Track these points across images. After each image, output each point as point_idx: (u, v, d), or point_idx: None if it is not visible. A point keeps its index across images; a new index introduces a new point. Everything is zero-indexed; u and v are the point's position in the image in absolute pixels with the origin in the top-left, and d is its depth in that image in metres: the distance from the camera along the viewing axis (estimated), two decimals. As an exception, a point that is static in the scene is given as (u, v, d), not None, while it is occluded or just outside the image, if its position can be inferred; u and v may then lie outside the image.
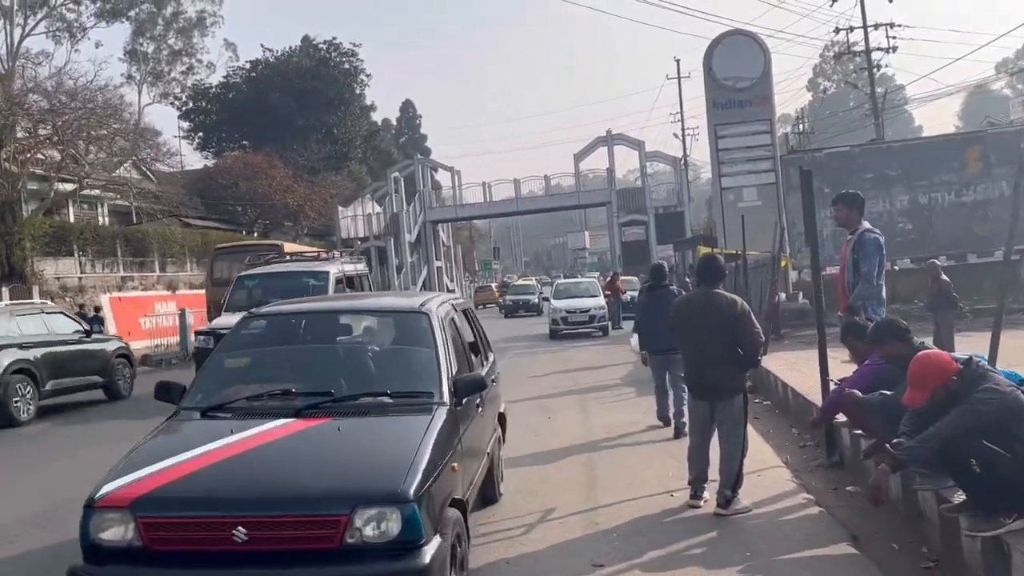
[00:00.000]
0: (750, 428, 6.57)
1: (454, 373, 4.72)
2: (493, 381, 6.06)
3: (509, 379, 10.15)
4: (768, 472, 6.87)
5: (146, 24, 55.98)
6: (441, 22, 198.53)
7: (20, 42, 47.32)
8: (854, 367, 6.34)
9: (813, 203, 7.74)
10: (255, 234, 42.18)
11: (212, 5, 56.22)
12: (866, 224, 7.43)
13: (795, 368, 10.55)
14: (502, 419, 6.62)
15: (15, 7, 46.53)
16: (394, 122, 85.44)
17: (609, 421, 9.60)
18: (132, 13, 53.21)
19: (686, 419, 7.35)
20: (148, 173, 39.90)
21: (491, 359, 6.56)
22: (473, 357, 5.73)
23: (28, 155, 26.51)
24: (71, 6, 50.73)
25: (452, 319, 5.47)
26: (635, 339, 10.23)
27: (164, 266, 31.77)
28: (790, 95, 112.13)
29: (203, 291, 24.79)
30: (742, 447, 6.03)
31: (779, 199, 23.46)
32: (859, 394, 5.64)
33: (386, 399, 4.45)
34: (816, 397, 7.33)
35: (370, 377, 4.86)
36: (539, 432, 9.10)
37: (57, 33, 50.68)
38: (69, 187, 28.13)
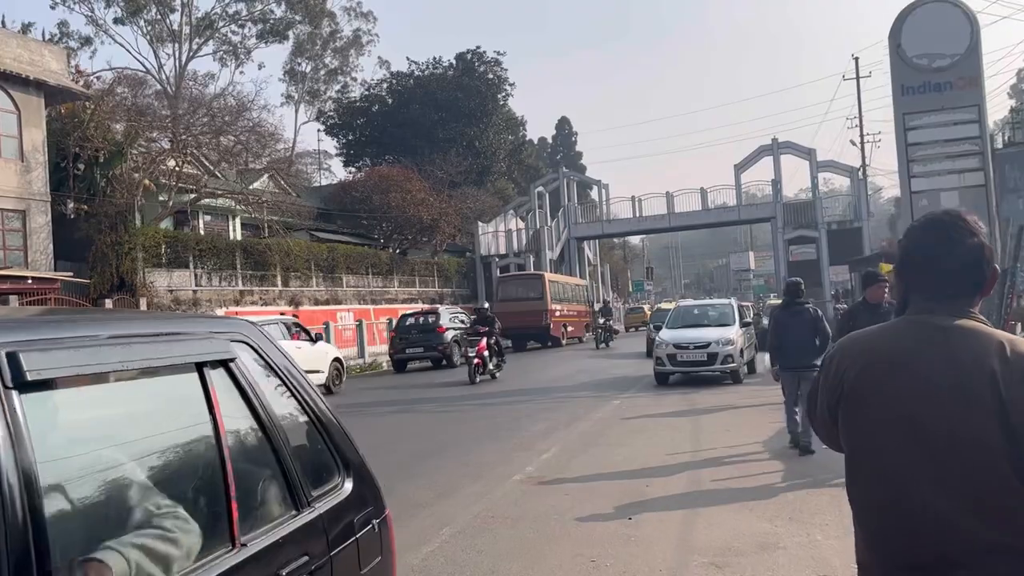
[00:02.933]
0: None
1: None
2: None
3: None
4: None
5: (304, 44, 56.78)
6: (606, 30, 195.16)
7: (186, 63, 49.06)
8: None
9: None
10: (391, 249, 40.86)
11: (367, 23, 56.40)
12: None
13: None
14: None
15: (183, 31, 48.18)
16: (550, 140, 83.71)
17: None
18: (291, 33, 53.90)
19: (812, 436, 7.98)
20: (286, 187, 39.48)
21: None
22: None
23: (153, 167, 25.89)
24: (235, 28, 51.98)
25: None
26: (767, 357, 10.45)
27: (287, 280, 30.47)
28: (1005, 78, 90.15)
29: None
30: None
31: (989, 205, 18.56)
32: None
33: None
34: None
35: None
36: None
37: (224, 56, 52.16)
38: (191, 197, 27.26)
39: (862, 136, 45.73)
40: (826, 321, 9.02)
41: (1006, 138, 26.42)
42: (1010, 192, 17.51)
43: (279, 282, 30.11)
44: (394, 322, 28.85)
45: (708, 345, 15.64)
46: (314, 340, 18.28)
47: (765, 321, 26.48)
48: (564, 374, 20.16)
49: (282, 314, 23.74)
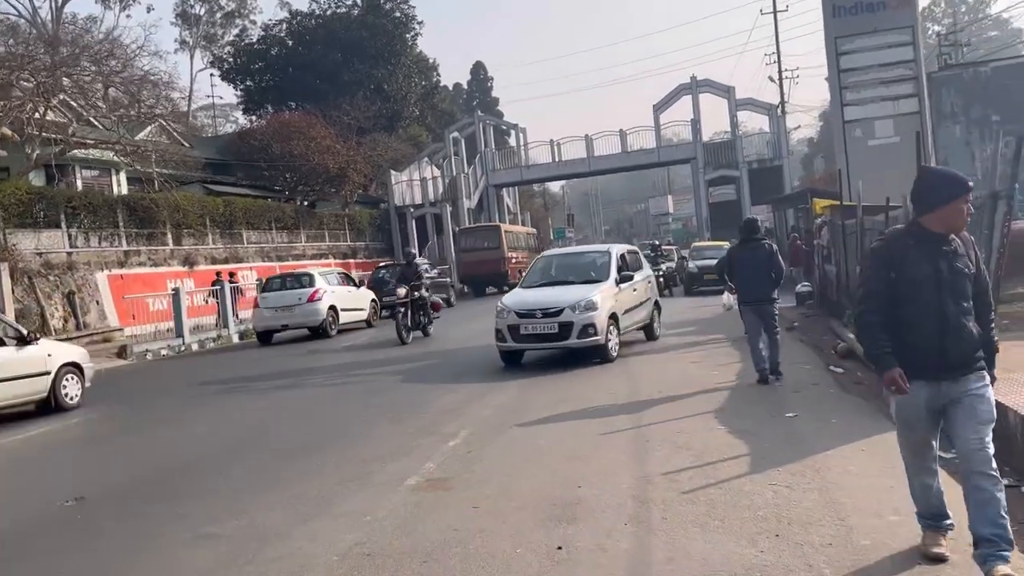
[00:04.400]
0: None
1: None
2: None
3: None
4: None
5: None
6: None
7: (63, 5, 44.51)
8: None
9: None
10: (298, 201, 38.24)
11: (263, -39, 52.46)
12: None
13: None
14: None
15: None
16: (465, 85, 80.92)
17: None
18: None
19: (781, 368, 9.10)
20: (178, 137, 36.26)
21: None
22: None
23: (12, 114, 22.76)
24: None
25: None
26: (727, 295, 10.14)
27: (179, 238, 27.80)
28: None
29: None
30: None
31: (924, 132, 17.57)
32: None
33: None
34: None
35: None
36: None
37: None
38: (57, 149, 24.22)
39: (780, 72, 45.06)
40: (780, 256, 9.64)
41: (941, 61, 25.58)
42: (946, 118, 16.45)
43: (170, 240, 27.44)
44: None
45: (560, 312, 11.04)
46: (357, 286, 22.91)
47: (693, 264, 25.50)
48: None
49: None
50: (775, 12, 43.42)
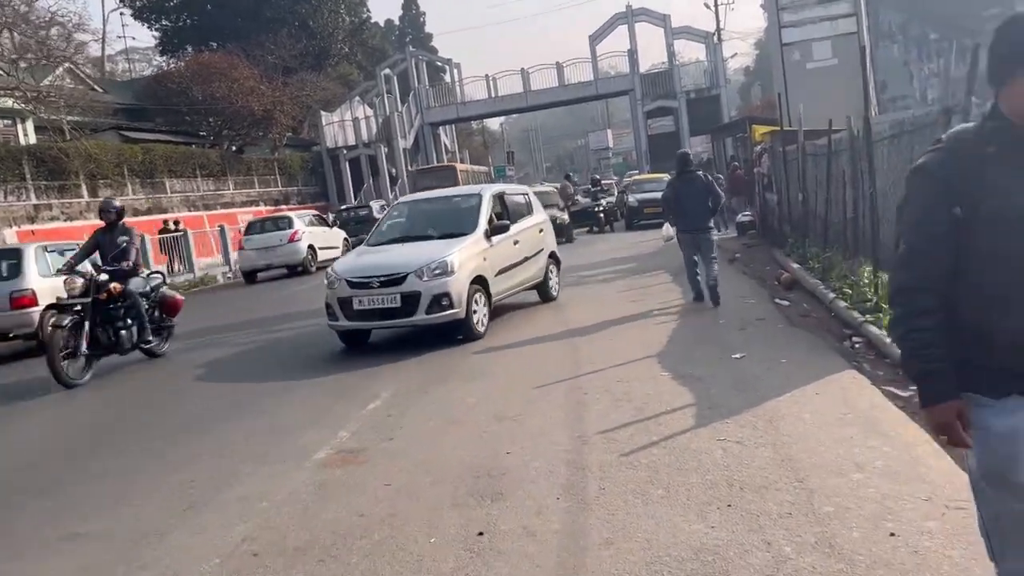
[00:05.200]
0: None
1: None
2: None
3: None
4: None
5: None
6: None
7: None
8: None
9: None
10: (225, 147, 36.48)
11: None
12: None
13: None
14: None
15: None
16: (397, 22, 78.04)
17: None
18: None
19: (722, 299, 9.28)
20: (90, 82, 34.07)
21: None
22: None
23: None
24: None
25: None
26: (666, 226, 10.29)
27: (94, 190, 26.19)
28: None
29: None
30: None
31: (863, 53, 17.12)
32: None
33: None
34: None
35: None
36: None
37: None
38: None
39: (716, -1, 44.15)
40: (717, 185, 10.03)
41: None
42: (884, 37, 16.02)
43: (85, 192, 25.84)
44: (228, 230, 25.73)
45: (403, 279, 8.47)
46: (330, 227, 24.27)
47: (632, 198, 24.97)
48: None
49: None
50: (710, -65, 42.34)
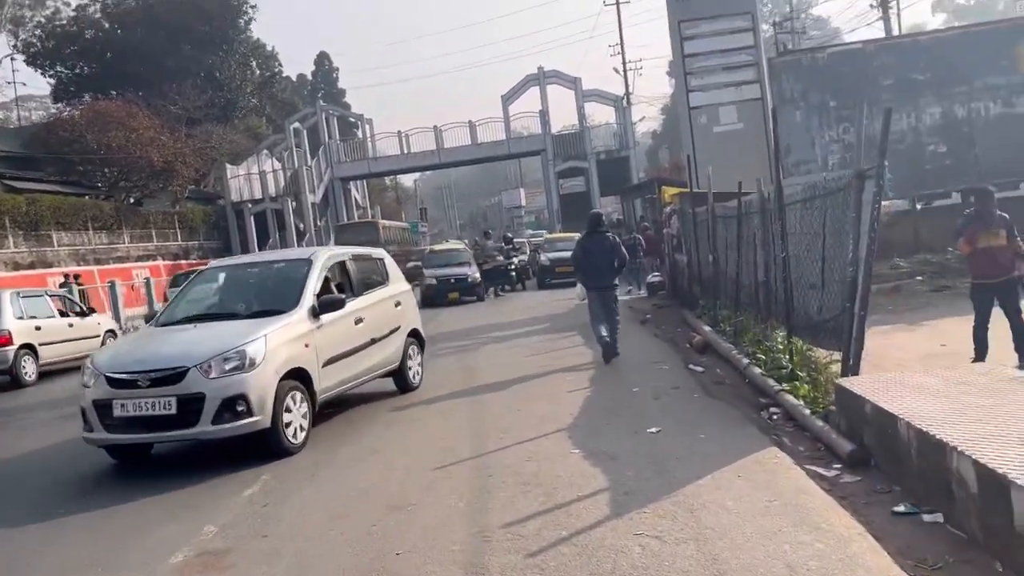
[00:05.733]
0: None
1: None
2: None
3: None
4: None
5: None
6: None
7: None
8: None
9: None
10: (121, 199, 34.80)
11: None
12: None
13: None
14: None
15: None
16: (309, 76, 77.47)
17: None
18: None
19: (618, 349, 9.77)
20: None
21: None
22: None
23: None
24: None
25: None
26: (579, 287, 10.68)
27: (-31, 243, 24.39)
28: None
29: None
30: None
31: (767, 119, 17.52)
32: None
33: None
34: None
35: None
36: None
37: None
38: None
39: (624, 63, 45.45)
40: (623, 247, 10.68)
41: (777, 47, 26.00)
42: (787, 103, 16.44)
43: (-41, 245, 24.02)
44: (120, 285, 24.25)
45: (181, 376, 6.27)
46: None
47: (544, 257, 24.75)
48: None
49: None
50: (618, 2, 43.71)
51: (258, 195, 40.52)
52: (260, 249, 39.58)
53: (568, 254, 23.72)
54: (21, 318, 14.11)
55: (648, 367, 8.94)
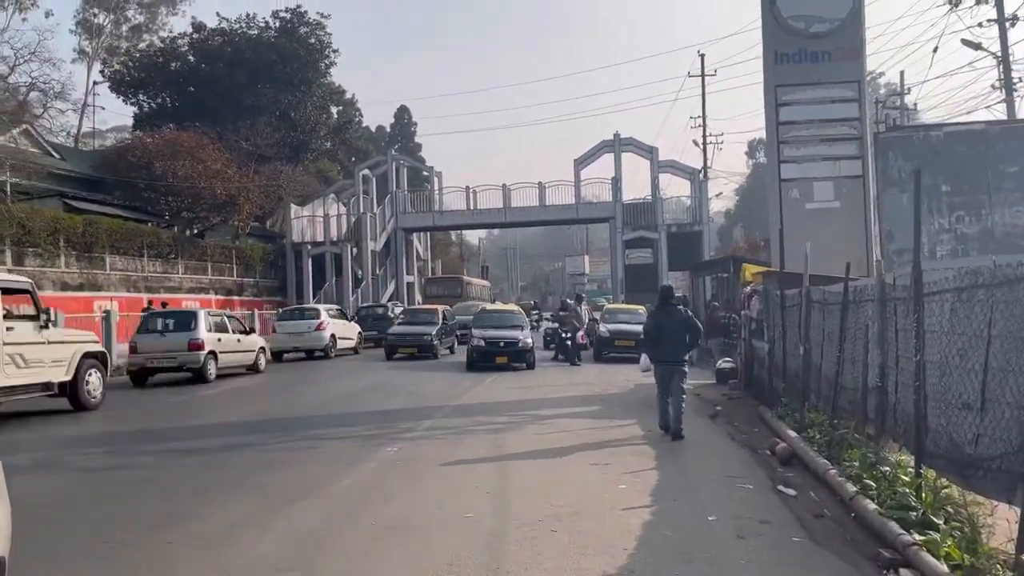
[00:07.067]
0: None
1: None
2: None
3: None
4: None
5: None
6: (441, 21, 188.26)
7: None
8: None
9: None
10: (181, 228, 34.50)
11: (180, -26, 48.83)
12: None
13: None
14: None
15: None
16: (388, 128, 78.33)
17: None
18: None
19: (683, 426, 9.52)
20: (47, 147, 32.28)
21: None
22: None
23: None
24: None
25: None
26: (644, 358, 10.34)
27: (20, 258, 23.88)
28: (884, 56, 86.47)
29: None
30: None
31: (867, 198, 15.70)
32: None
33: None
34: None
35: None
36: None
37: None
38: None
39: (704, 137, 44.00)
40: (697, 320, 10.57)
41: (885, 120, 24.09)
42: (892, 184, 14.56)
43: (8, 259, 23.49)
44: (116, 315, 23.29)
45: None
46: (349, 320, 28.11)
47: (604, 328, 22.93)
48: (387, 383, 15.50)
49: None
50: (703, 75, 42.53)
51: (320, 238, 39.95)
52: (315, 292, 38.97)
53: (630, 327, 22.27)
54: (210, 331, 18.01)
55: (725, 483, 7.12)
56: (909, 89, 26.92)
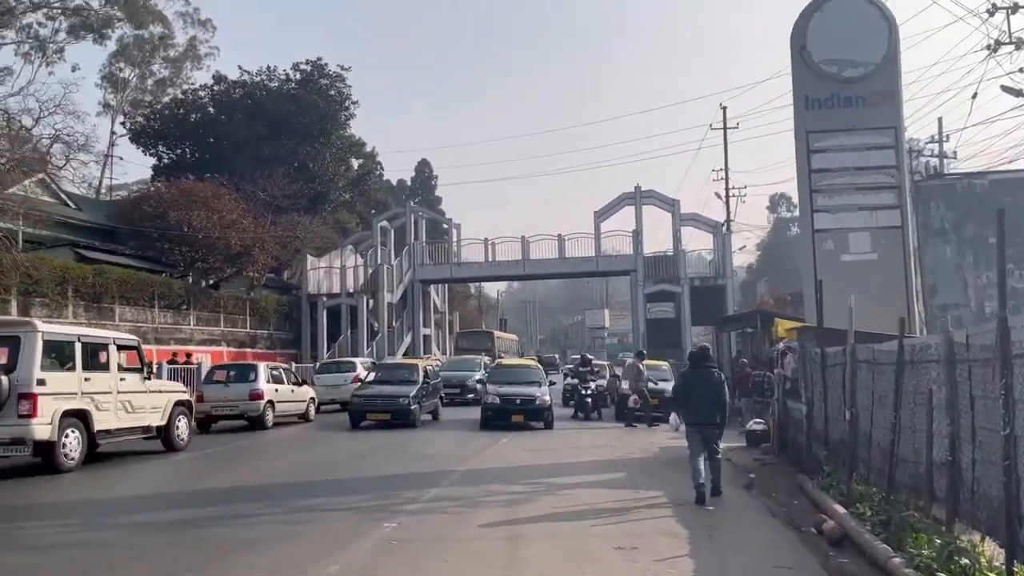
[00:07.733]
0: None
1: None
2: None
3: None
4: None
5: (130, 47, 48.87)
6: (462, 72, 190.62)
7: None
8: None
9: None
10: (195, 279, 34.03)
11: (205, 32, 49.43)
12: None
13: None
14: None
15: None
16: (408, 181, 78.59)
17: None
18: (112, 33, 45.30)
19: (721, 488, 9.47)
20: (63, 196, 32.09)
21: None
22: None
23: None
24: (42, 19, 43.30)
25: None
26: (674, 416, 10.54)
27: (26, 308, 23.35)
28: (919, 103, 78.91)
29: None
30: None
31: (906, 250, 14.75)
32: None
33: None
34: None
35: None
36: None
37: (31, 51, 43.34)
38: None
39: (727, 190, 43.27)
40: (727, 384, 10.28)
41: (923, 168, 23.18)
42: (935, 235, 13.66)
43: (14, 308, 22.96)
44: (167, 367, 22.66)
45: None
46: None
47: (625, 384, 21.89)
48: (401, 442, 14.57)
49: None
50: (725, 127, 42.01)
51: (336, 289, 39.40)
52: (329, 344, 38.28)
53: (652, 385, 21.25)
54: (268, 382, 19.29)
55: (770, 572, 6.10)
56: (948, 136, 25.99)
